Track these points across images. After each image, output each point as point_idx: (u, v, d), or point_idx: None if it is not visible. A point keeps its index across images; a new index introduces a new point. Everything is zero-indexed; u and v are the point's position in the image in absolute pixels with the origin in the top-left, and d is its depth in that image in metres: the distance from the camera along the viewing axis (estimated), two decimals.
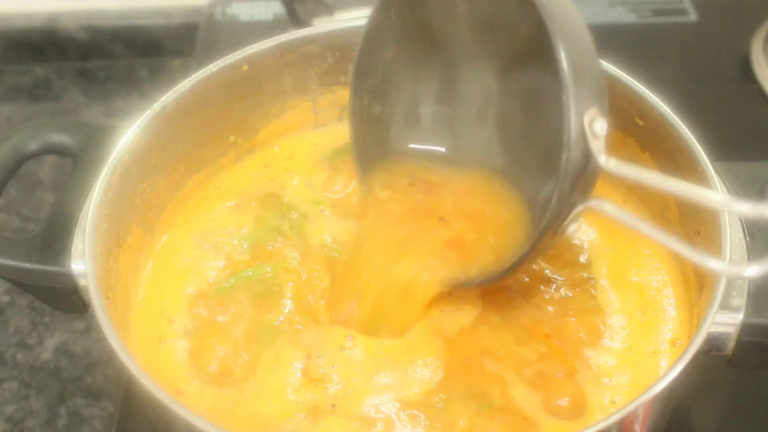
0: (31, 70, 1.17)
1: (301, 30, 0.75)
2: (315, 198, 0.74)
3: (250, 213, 0.73)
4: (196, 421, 0.51)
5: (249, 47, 0.72)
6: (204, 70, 0.71)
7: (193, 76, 0.70)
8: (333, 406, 0.60)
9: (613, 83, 0.69)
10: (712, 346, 0.58)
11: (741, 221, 0.61)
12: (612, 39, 1.08)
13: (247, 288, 0.67)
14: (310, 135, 0.79)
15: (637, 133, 0.70)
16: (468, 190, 0.68)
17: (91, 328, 0.85)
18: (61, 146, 0.69)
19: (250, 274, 0.68)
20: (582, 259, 0.69)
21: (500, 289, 0.66)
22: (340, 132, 0.77)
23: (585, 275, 0.67)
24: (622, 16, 1.12)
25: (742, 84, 1.03)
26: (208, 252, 0.70)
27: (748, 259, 0.60)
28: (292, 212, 0.72)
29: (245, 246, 0.70)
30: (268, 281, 0.67)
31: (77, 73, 1.16)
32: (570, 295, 0.66)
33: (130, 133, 0.66)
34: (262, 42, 0.73)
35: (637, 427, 0.55)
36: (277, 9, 1.11)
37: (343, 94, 0.78)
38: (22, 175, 0.71)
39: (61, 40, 1.16)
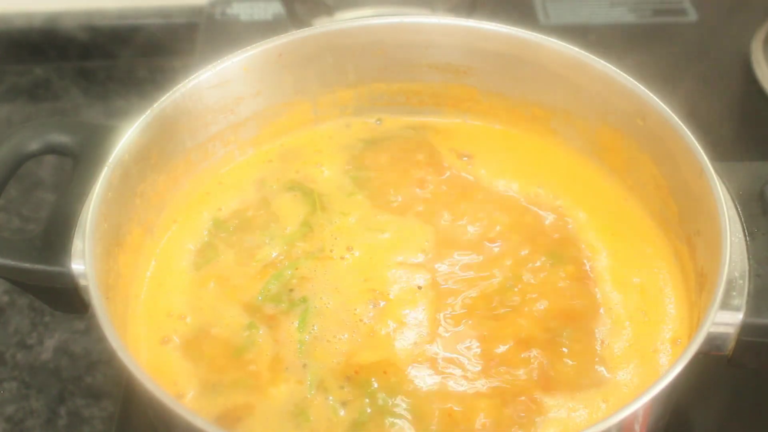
0: (31, 70, 1.17)
1: (301, 30, 0.75)
2: (324, 194, 0.74)
3: (257, 210, 0.73)
4: (197, 422, 0.51)
5: (249, 47, 0.73)
6: (204, 70, 0.71)
7: (193, 76, 0.70)
8: None
9: (613, 83, 0.69)
10: (712, 345, 0.57)
11: (741, 221, 0.61)
12: (612, 39, 1.09)
13: (273, 293, 0.67)
14: (311, 133, 0.79)
15: (637, 133, 0.70)
16: None
17: (91, 328, 0.85)
18: (61, 146, 0.69)
19: (272, 286, 0.67)
20: (583, 259, 0.69)
21: (500, 289, 0.66)
22: (342, 129, 0.78)
23: (587, 275, 0.67)
24: (622, 16, 1.12)
25: (742, 84, 1.03)
26: (216, 250, 0.70)
27: (748, 259, 0.60)
28: (304, 209, 0.73)
29: (269, 244, 0.70)
30: (289, 285, 0.67)
31: (77, 73, 1.16)
32: (572, 295, 0.66)
33: (130, 133, 0.66)
34: (262, 42, 0.73)
35: (637, 427, 0.55)
36: (277, 9, 1.11)
37: (343, 94, 0.78)
38: (22, 175, 0.71)
39: (61, 40, 1.16)
